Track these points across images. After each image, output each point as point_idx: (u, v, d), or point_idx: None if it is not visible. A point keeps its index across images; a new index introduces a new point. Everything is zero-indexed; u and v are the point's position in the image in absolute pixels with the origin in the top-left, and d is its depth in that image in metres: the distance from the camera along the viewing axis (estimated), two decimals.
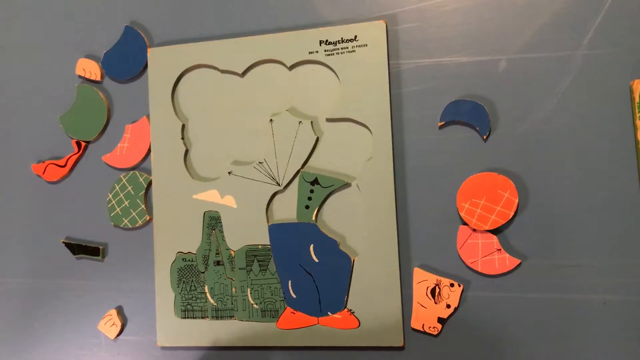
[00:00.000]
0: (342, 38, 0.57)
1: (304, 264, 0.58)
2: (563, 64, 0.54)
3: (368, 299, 0.56)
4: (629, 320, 0.53)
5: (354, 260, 0.57)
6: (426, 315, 0.56)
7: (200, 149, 0.62)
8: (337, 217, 0.58)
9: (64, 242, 0.66)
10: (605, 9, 0.54)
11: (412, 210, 0.57)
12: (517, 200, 0.53)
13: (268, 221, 0.59)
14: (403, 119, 0.58)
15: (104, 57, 0.65)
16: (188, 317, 0.61)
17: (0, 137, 0.69)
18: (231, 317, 0.60)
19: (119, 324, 0.63)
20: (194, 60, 0.61)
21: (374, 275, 0.56)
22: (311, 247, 0.58)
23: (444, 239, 0.56)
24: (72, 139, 0.66)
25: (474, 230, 0.55)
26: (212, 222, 0.60)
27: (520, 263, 0.54)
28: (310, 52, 0.58)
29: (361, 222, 0.57)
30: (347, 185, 0.57)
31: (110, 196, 0.64)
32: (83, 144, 0.66)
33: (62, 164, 0.66)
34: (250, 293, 0.59)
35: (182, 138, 0.62)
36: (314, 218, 0.58)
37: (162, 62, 0.62)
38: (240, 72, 0.60)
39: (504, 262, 0.54)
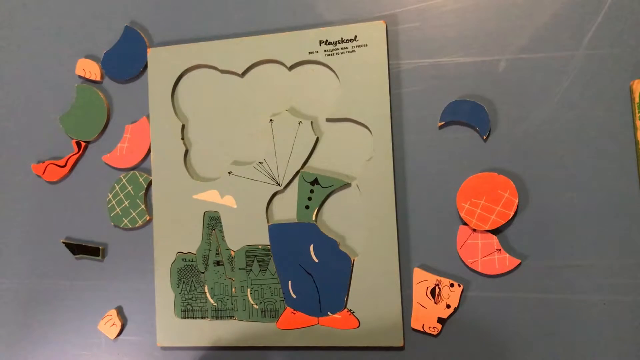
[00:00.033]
0: (342, 38, 0.57)
1: (304, 264, 0.58)
2: (563, 64, 0.54)
3: (368, 299, 0.56)
4: (629, 320, 0.53)
5: (354, 260, 0.57)
6: (426, 315, 0.56)
7: (200, 149, 0.62)
8: (337, 217, 0.58)
9: (63, 242, 0.66)
10: (605, 9, 0.54)
11: (412, 210, 0.57)
12: (517, 200, 0.53)
13: (268, 221, 0.59)
14: (403, 119, 0.58)
15: (104, 57, 0.65)
16: (188, 317, 0.61)
17: (0, 137, 0.69)
18: (231, 317, 0.60)
19: (119, 324, 0.63)
20: (194, 60, 0.61)
21: (374, 275, 0.56)
22: (311, 247, 0.58)
23: (444, 239, 0.56)
24: (72, 139, 0.66)
25: (474, 230, 0.55)
26: (212, 222, 0.60)
27: (520, 263, 0.54)
28: (310, 52, 0.58)
29: (361, 222, 0.57)
30: (347, 185, 0.57)
31: (110, 196, 0.64)
32: (83, 144, 0.66)
33: (62, 164, 0.66)
34: (250, 293, 0.59)
35: (182, 138, 0.62)
36: (314, 218, 0.58)
37: (162, 62, 0.62)
38: (240, 72, 0.60)
39: (504, 262, 0.54)
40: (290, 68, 0.59)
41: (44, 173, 0.66)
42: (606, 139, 0.53)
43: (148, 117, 0.63)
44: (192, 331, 0.61)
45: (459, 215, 0.55)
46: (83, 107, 0.65)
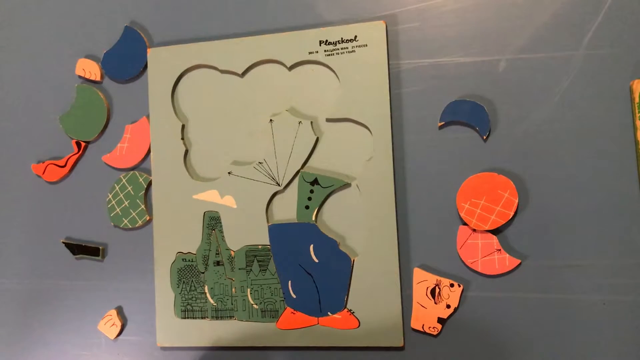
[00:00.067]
0: (342, 38, 0.57)
1: (304, 264, 0.58)
2: (563, 64, 0.54)
3: (368, 299, 0.56)
4: (629, 320, 0.53)
5: (354, 260, 0.57)
6: (426, 315, 0.56)
7: (200, 149, 0.62)
8: (337, 217, 0.58)
9: (63, 243, 0.66)
10: (605, 9, 0.54)
11: (412, 210, 0.57)
12: (517, 201, 0.53)
13: (268, 221, 0.59)
14: (403, 119, 0.58)
15: (103, 57, 0.65)
16: (188, 317, 0.61)
17: (0, 137, 0.69)
18: (231, 317, 0.60)
19: (118, 324, 0.63)
20: (194, 60, 0.61)
21: (374, 275, 0.56)
22: (311, 247, 0.58)
23: (444, 239, 0.56)
24: (72, 139, 0.66)
25: (474, 230, 0.55)
26: (212, 222, 0.60)
27: (520, 263, 0.54)
28: (310, 52, 0.58)
29: (361, 222, 0.57)
30: (347, 185, 0.57)
31: (110, 196, 0.64)
32: (83, 144, 0.66)
33: (62, 164, 0.66)
34: (250, 293, 0.59)
35: (182, 138, 0.62)
36: (314, 218, 0.58)
37: (162, 62, 0.62)
38: (240, 72, 0.60)
39: (504, 262, 0.54)
40: (290, 68, 0.59)
41: (44, 173, 0.66)
42: (606, 139, 0.53)
43: (148, 117, 0.63)
44: (192, 331, 0.61)
45: (459, 215, 0.55)
46: (83, 107, 0.65)
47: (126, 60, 0.64)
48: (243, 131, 0.61)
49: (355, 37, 0.57)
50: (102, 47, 0.66)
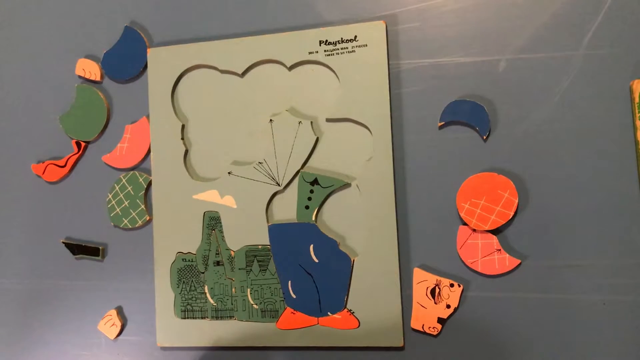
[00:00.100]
0: (342, 38, 0.57)
1: (303, 264, 0.58)
2: (563, 64, 0.54)
3: (368, 299, 0.56)
4: (629, 320, 0.53)
5: (354, 260, 0.57)
6: (426, 315, 0.56)
7: (200, 149, 0.62)
8: (337, 217, 0.58)
9: (63, 243, 0.66)
10: (605, 9, 0.54)
11: (412, 210, 0.57)
12: (516, 201, 0.53)
13: (268, 221, 0.59)
14: (403, 119, 0.58)
15: (103, 57, 0.65)
16: (188, 317, 0.61)
17: (0, 137, 0.69)
18: (231, 317, 0.60)
19: (118, 324, 0.63)
20: (194, 60, 0.61)
21: (374, 275, 0.56)
22: (311, 247, 0.58)
23: (444, 239, 0.56)
24: (72, 139, 0.66)
25: (474, 230, 0.55)
26: (212, 222, 0.60)
27: (520, 263, 0.54)
28: (310, 52, 0.58)
29: (361, 222, 0.57)
30: (347, 185, 0.57)
31: (110, 196, 0.64)
32: (83, 144, 0.66)
33: (62, 164, 0.66)
34: (250, 293, 0.59)
35: (182, 138, 0.62)
36: (314, 218, 0.58)
37: (162, 62, 0.62)
38: (240, 72, 0.60)
39: (504, 262, 0.54)
40: (290, 68, 0.59)
41: (43, 173, 0.66)
42: (606, 139, 0.53)
43: (148, 117, 0.63)
44: (192, 331, 0.61)
45: (459, 215, 0.55)
46: (83, 107, 0.65)
47: (126, 60, 0.64)
48: (243, 131, 0.61)
49: (355, 37, 0.57)
50: (102, 47, 0.66)
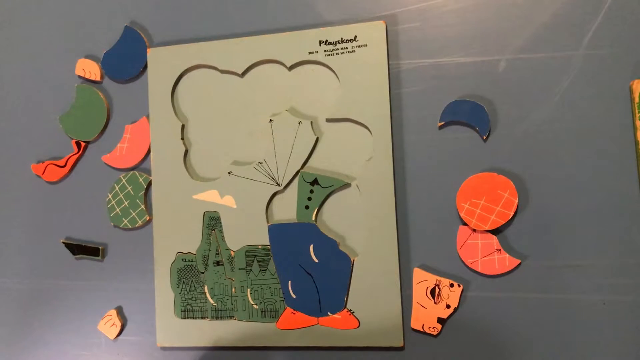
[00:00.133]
0: (342, 38, 0.57)
1: (303, 264, 0.58)
2: (563, 64, 0.54)
3: (368, 299, 0.56)
4: (629, 320, 0.53)
5: (354, 260, 0.57)
6: (426, 315, 0.56)
7: (200, 149, 0.62)
8: (337, 217, 0.58)
9: (63, 243, 0.66)
10: (605, 9, 0.54)
11: (412, 210, 0.57)
12: (516, 201, 0.53)
13: (268, 221, 0.59)
14: (403, 119, 0.58)
15: (103, 57, 0.65)
16: (188, 318, 0.61)
17: (0, 137, 0.69)
18: (231, 317, 0.60)
19: (118, 324, 0.63)
20: (194, 60, 0.61)
21: (374, 275, 0.56)
22: (311, 247, 0.58)
23: (444, 239, 0.56)
24: (72, 139, 0.66)
25: (474, 230, 0.55)
26: (212, 222, 0.60)
27: (520, 263, 0.54)
28: (310, 53, 0.58)
29: (361, 222, 0.57)
30: (347, 185, 0.57)
31: (110, 196, 0.64)
32: (83, 144, 0.66)
33: (62, 164, 0.66)
34: (250, 293, 0.59)
35: (182, 138, 0.62)
36: (313, 218, 0.58)
37: (162, 62, 0.62)
38: (240, 72, 0.60)
39: (504, 262, 0.54)
40: (290, 68, 0.59)
41: (43, 173, 0.66)
42: (606, 139, 0.53)
43: (148, 117, 0.63)
44: (192, 331, 0.61)
45: (459, 215, 0.55)
46: (83, 107, 0.65)
47: (126, 60, 0.64)
48: (243, 131, 0.61)
49: (355, 37, 0.57)
50: (102, 47, 0.66)
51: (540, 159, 0.55)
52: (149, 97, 0.63)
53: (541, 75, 0.55)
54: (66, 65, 0.67)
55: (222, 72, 0.61)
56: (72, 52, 0.67)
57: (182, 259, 0.61)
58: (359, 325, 0.57)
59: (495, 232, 0.55)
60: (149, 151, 0.63)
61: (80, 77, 0.66)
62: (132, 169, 0.64)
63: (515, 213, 0.54)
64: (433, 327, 0.55)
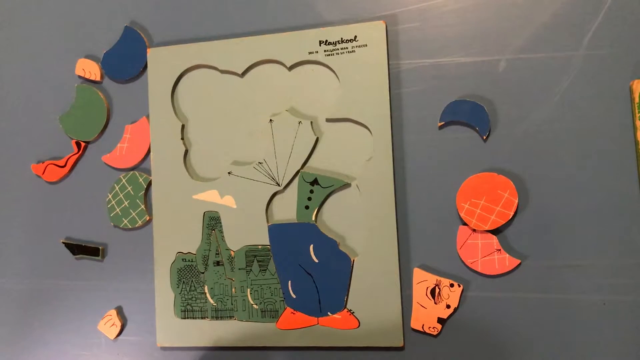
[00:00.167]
0: (341, 38, 0.57)
1: (303, 264, 0.58)
2: (563, 64, 0.54)
3: (368, 299, 0.56)
4: (629, 320, 0.53)
5: (354, 260, 0.57)
6: (426, 315, 0.56)
7: (200, 149, 0.62)
8: (337, 217, 0.58)
9: (63, 243, 0.66)
10: (605, 9, 0.54)
11: (412, 210, 0.57)
12: (516, 201, 0.53)
13: (268, 221, 0.59)
14: (403, 119, 0.58)
15: (103, 57, 0.65)
16: (188, 318, 0.61)
17: (0, 137, 0.69)
18: (231, 317, 0.60)
19: (118, 324, 0.63)
20: (194, 60, 0.61)
21: (374, 276, 0.56)
22: (311, 247, 0.58)
23: (444, 239, 0.56)
24: (72, 139, 0.66)
25: (474, 230, 0.55)
26: (212, 222, 0.60)
27: (520, 263, 0.54)
28: (310, 53, 0.58)
29: (361, 222, 0.57)
30: (347, 185, 0.57)
31: (110, 196, 0.64)
32: (83, 144, 0.66)
33: (62, 164, 0.66)
34: (250, 293, 0.59)
35: (182, 138, 0.62)
36: (313, 218, 0.58)
37: (162, 62, 0.62)
38: (240, 72, 0.60)
39: (504, 262, 0.54)
40: (290, 68, 0.59)
41: (43, 173, 0.66)
42: (606, 139, 0.53)
43: (148, 117, 0.63)
44: (192, 331, 0.61)
45: (459, 215, 0.55)
46: (83, 107, 0.65)
47: (126, 60, 0.64)
48: (243, 131, 0.61)
49: (355, 37, 0.57)
50: (102, 47, 0.66)
51: (540, 159, 0.55)
52: (149, 97, 0.63)
53: (541, 75, 0.55)
54: (66, 65, 0.67)
55: (222, 72, 0.61)
56: (72, 52, 0.67)
57: (182, 259, 0.61)
58: (359, 325, 0.57)
59: (495, 232, 0.55)
60: (149, 151, 0.63)
61: (80, 77, 0.66)
62: (132, 169, 0.64)
63: (515, 213, 0.54)
64: (433, 327, 0.55)
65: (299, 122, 0.58)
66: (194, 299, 0.61)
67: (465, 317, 0.56)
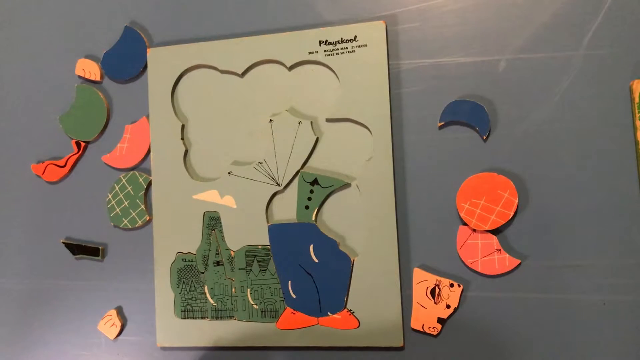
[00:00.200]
0: (341, 38, 0.57)
1: (303, 264, 0.58)
2: (563, 64, 0.54)
3: (368, 299, 0.56)
4: (629, 320, 0.53)
5: (354, 260, 0.57)
6: (426, 315, 0.56)
7: (200, 149, 0.62)
8: (337, 217, 0.58)
9: (63, 243, 0.66)
10: (605, 9, 0.54)
11: (412, 210, 0.57)
12: (516, 201, 0.53)
13: (268, 221, 0.59)
14: (403, 119, 0.58)
15: (103, 57, 0.65)
16: (188, 318, 0.61)
17: (0, 137, 0.69)
18: (231, 317, 0.60)
19: (118, 324, 0.63)
20: (194, 60, 0.61)
21: (374, 276, 0.56)
22: (311, 247, 0.58)
23: (444, 239, 0.56)
24: (72, 139, 0.66)
25: (474, 230, 0.55)
26: (212, 222, 0.60)
27: (520, 263, 0.54)
28: (310, 53, 0.58)
29: (361, 222, 0.57)
30: (347, 185, 0.57)
31: (110, 196, 0.64)
32: (83, 144, 0.66)
33: (62, 164, 0.66)
34: (250, 293, 0.59)
35: (182, 138, 0.62)
36: (313, 218, 0.58)
37: (161, 62, 0.62)
38: (240, 72, 0.60)
39: (504, 262, 0.54)
40: (290, 68, 0.59)
41: (43, 173, 0.66)
42: (606, 139, 0.53)
43: (148, 117, 0.63)
44: (192, 331, 0.61)
45: (459, 215, 0.55)
46: (83, 107, 0.65)
47: (126, 60, 0.64)
48: (243, 131, 0.61)
49: (355, 37, 0.57)
50: (102, 47, 0.66)
51: (540, 159, 0.55)
52: (149, 97, 0.63)
53: (541, 75, 0.55)
54: (66, 65, 0.67)
55: (222, 72, 0.61)
56: (72, 52, 0.67)
57: (182, 259, 0.61)
58: (359, 325, 0.57)
59: (495, 232, 0.55)
60: (149, 151, 0.63)
61: (80, 77, 0.66)
62: (132, 169, 0.64)
63: (515, 213, 0.54)
64: (433, 327, 0.55)
65: (299, 122, 0.58)
66: (194, 299, 0.61)
67: (465, 317, 0.56)
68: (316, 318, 0.58)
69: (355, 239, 0.57)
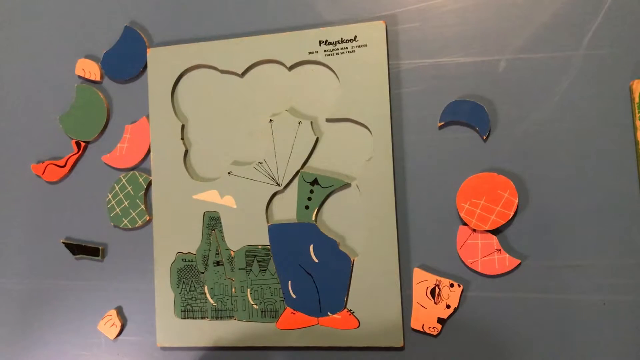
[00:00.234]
0: (341, 38, 0.57)
1: (303, 264, 0.58)
2: (563, 64, 0.54)
3: (368, 299, 0.56)
4: (629, 320, 0.53)
5: (354, 260, 0.57)
6: (426, 315, 0.56)
7: (200, 149, 0.62)
8: (337, 217, 0.58)
9: (63, 243, 0.66)
10: (605, 9, 0.54)
11: (412, 210, 0.57)
12: (516, 201, 0.53)
13: (268, 221, 0.59)
14: (403, 119, 0.58)
15: (103, 57, 0.65)
16: (188, 318, 0.61)
17: (0, 137, 0.69)
18: (231, 317, 0.60)
19: (118, 324, 0.63)
20: (194, 61, 0.61)
21: (374, 276, 0.56)
22: (311, 247, 0.58)
23: (444, 239, 0.56)
24: (72, 139, 0.66)
25: (474, 230, 0.55)
26: (212, 222, 0.60)
27: (520, 263, 0.54)
28: (310, 53, 0.58)
29: (361, 222, 0.57)
30: (347, 185, 0.57)
31: (109, 196, 0.64)
32: (83, 144, 0.66)
33: (62, 164, 0.66)
34: (250, 293, 0.59)
35: (182, 138, 0.62)
36: (313, 218, 0.58)
37: (161, 62, 0.62)
38: (240, 72, 0.60)
39: (504, 262, 0.54)
40: (290, 68, 0.59)
41: (43, 173, 0.66)
42: (606, 139, 0.53)
43: (148, 117, 0.63)
44: (192, 331, 0.61)
45: (459, 215, 0.55)
46: (83, 107, 0.65)
47: (126, 60, 0.64)
48: (243, 131, 0.61)
49: (355, 37, 0.57)
50: (102, 47, 0.66)
51: (540, 159, 0.55)
52: (149, 97, 0.63)
53: (541, 75, 0.55)
54: (66, 65, 0.67)
55: (222, 72, 0.61)
56: (72, 52, 0.67)
57: (182, 259, 0.61)
58: (359, 325, 0.57)
59: (495, 232, 0.55)
60: (149, 151, 0.63)
61: (80, 77, 0.66)
62: (132, 169, 0.64)
63: (515, 213, 0.54)
64: (433, 327, 0.55)
65: (299, 122, 0.58)
66: (194, 299, 0.61)
67: (465, 317, 0.56)
68: (316, 318, 0.58)
69: (355, 239, 0.57)
